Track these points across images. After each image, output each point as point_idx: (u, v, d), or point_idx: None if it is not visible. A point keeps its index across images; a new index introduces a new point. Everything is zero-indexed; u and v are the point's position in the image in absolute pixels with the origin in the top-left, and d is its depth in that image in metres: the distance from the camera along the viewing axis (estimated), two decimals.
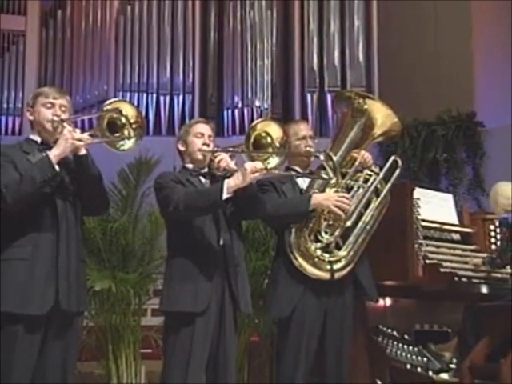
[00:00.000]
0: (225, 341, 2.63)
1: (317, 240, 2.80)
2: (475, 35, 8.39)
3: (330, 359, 2.84)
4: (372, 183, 2.88)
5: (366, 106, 2.96)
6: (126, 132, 2.45)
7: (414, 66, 8.53)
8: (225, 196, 2.49)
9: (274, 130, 2.70)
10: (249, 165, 2.53)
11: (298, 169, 3.01)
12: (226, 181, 2.52)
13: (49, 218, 2.40)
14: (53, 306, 2.34)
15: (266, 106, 8.32)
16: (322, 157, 2.73)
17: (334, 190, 2.84)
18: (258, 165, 2.54)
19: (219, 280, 2.62)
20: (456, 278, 3.43)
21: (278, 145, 2.68)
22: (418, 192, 3.58)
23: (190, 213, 2.59)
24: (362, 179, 2.91)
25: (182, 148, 2.78)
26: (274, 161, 2.68)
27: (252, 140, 2.66)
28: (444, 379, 3.51)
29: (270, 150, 2.68)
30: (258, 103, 8.34)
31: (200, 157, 2.73)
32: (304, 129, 3.06)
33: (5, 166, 2.36)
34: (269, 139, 2.70)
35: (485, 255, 3.67)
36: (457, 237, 3.81)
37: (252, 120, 7.39)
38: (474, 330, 3.48)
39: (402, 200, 3.28)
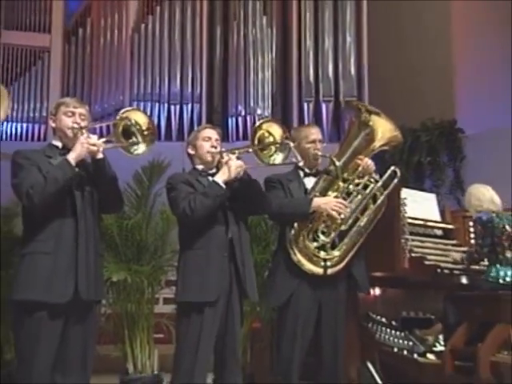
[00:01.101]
0: (232, 325, 2.62)
1: (314, 239, 2.79)
2: (455, 50, 8.39)
3: (325, 346, 2.82)
4: (371, 190, 2.84)
5: (371, 122, 2.89)
6: (138, 138, 2.45)
7: (400, 77, 8.53)
8: (223, 186, 2.56)
9: (276, 130, 2.69)
10: (234, 161, 2.59)
11: (306, 169, 2.98)
12: (216, 176, 2.60)
13: (69, 215, 2.39)
14: (73, 296, 2.33)
15: (266, 114, 8.31)
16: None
17: (334, 194, 2.82)
18: (239, 163, 2.61)
19: (228, 271, 2.60)
20: (439, 270, 3.42)
21: (279, 143, 2.67)
22: (405, 192, 3.57)
23: (201, 213, 2.56)
24: (361, 185, 2.86)
25: (191, 152, 2.77)
26: (278, 157, 2.67)
27: (257, 138, 2.65)
28: (428, 361, 3.50)
29: (273, 147, 2.67)
30: (259, 111, 8.33)
31: (209, 158, 2.72)
32: (315, 133, 3.02)
33: (30, 169, 2.36)
34: (271, 138, 2.69)
35: (465, 249, 3.67)
36: (439, 232, 3.81)
37: None
38: (454, 317, 3.47)
39: (390, 199, 3.26)
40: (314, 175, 2.95)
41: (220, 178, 2.60)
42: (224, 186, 2.58)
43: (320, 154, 2.92)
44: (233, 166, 2.59)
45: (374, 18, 8.69)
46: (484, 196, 3.53)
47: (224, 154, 2.68)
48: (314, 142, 2.95)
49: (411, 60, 8.55)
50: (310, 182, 2.94)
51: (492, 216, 3.43)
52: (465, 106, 8.12)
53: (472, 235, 3.89)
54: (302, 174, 2.96)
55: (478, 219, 3.48)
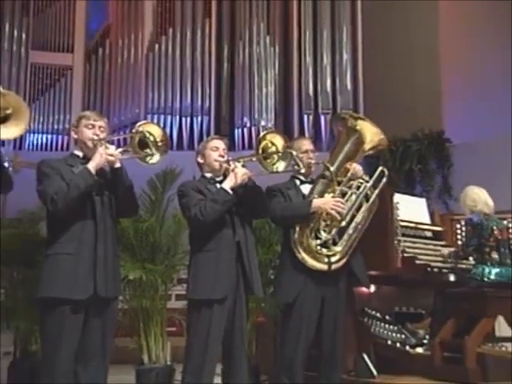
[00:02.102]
0: (239, 320, 2.61)
1: (316, 237, 2.78)
2: (442, 67, 8.42)
3: (326, 339, 2.81)
4: (363, 190, 2.86)
5: (358, 126, 2.92)
6: (153, 149, 2.45)
7: (392, 92, 8.54)
8: (230, 192, 2.55)
9: (279, 141, 2.70)
10: (239, 169, 2.59)
11: (302, 177, 2.98)
12: (224, 183, 2.59)
13: (89, 219, 2.39)
14: (92, 293, 2.33)
15: (269, 125, 8.31)
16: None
17: (331, 195, 2.82)
18: (244, 170, 2.61)
19: (235, 271, 2.59)
20: (429, 269, 3.41)
21: (282, 152, 2.68)
22: (397, 197, 3.57)
23: (211, 218, 2.56)
24: (354, 186, 2.88)
25: (200, 160, 2.77)
26: (281, 165, 2.67)
27: (261, 148, 2.65)
28: (419, 352, 3.49)
29: (276, 156, 2.67)
30: (263, 123, 8.34)
31: (217, 166, 2.72)
32: (306, 144, 3.04)
33: (54, 177, 2.36)
34: (274, 148, 2.70)
35: (452, 249, 3.65)
36: (429, 234, 3.79)
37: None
38: (443, 312, 3.46)
39: (384, 204, 3.26)
40: (309, 183, 2.96)
41: (227, 184, 2.60)
42: (231, 192, 2.58)
43: (313, 161, 2.93)
44: (239, 174, 2.59)
45: (369, 37, 8.70)
46: (479, 197, 3.49)
47: (231, 163, 2.68)
48: (306, 152, 2.97)
49: (402, 76, 8.59)
50: (306, 188, 2.95)
51: (482, 219, 3.40)
52: (451, 117, 8.14)
53: (459, 236, 3.89)
54: (298, 182, 2.98)
55: (469, 220, 3.45)
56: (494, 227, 3.39)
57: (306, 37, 8.70)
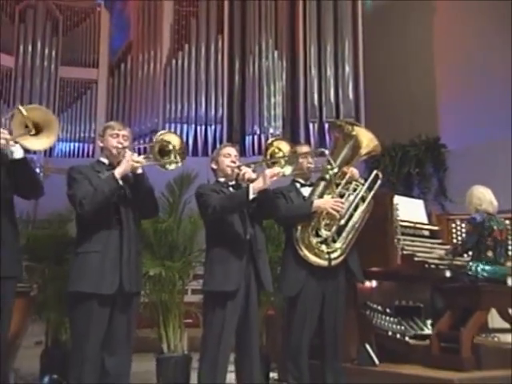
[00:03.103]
0: (251, 313, 2.61)
1: (317, 235, 2.78)
2: (438, 77, 8.40)
3: (328, 327, 2.81)
4: (359, 192, 2.85)
5: (354, 132, 2.91)
6: (172, 156, 2.46)
7: (391, 101, 8.53)
8: (251, 196, 2.51)
9: (285, 147, 2.70)
10: (268, 171, 2.56)
11: (302, 181, 2.99)
12: (251, 185, 2.52)
13: (114, 220, 2.41)
14: (118, 288, 2.35)
15: (277, 132, 8.33)
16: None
17: (330, 196, 2.82)
18: (276, 170, 2.57)
19: (246, 265, 2.60)
20: (426, 265, 3.38)
21: (288, 156, 2.67)
22: (397, 199, 3.54)
23: (225, 213, 2.57)
24: (351, 188, 2.88)
25: (214, 166, 2.77)
26: (287, 169, 2.67)
27: (269, 154, 2.66)
28: (417, 343, 3.47)
29: (282, 161, 2.67)
30: (271, 130, 8.35)
31: (229, 171, 2.72)
32: (304, 149, 3.05)
33: (82, 182, 2.39)
34: (281, 153, 2.70)
35: (448, 247, 3.63)
36: (427, 233, 3.75)
37: None
38: (440, 305, 3.43)
39: (385, 205, 3.25)
40: (309, 186, 2.96)
41: (256, 186, 2.50)
42: (253, 195, 2.50)
43: (312, 166, 2.94)
44: (268, 176, 2.51)
45: (369, 51, 8.69)
46: (484, 196, 3.39)
47: (241, 168, 2.68)
48: (305, 157, 2.97)
49: (401, 87, 8.59)
50: (305, 191, 2.95)
51: (485, 218, 3.32)
52: (447, 125, 8.13)
53: (454, 235, 3.86)
54: (298, 185, 2.98)
55: (472, 219, 3.37)
56: (495, 227, 3.32)
57: (311, 51, 8.71)
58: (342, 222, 2.78)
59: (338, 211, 2.75)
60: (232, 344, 2.60)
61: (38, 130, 2.23)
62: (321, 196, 2.84)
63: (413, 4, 8.61)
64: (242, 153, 7.99)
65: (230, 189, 2.71)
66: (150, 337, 3.77)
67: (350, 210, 2.82)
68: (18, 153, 2.22)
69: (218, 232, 2.63)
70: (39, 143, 2.24)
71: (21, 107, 2.22)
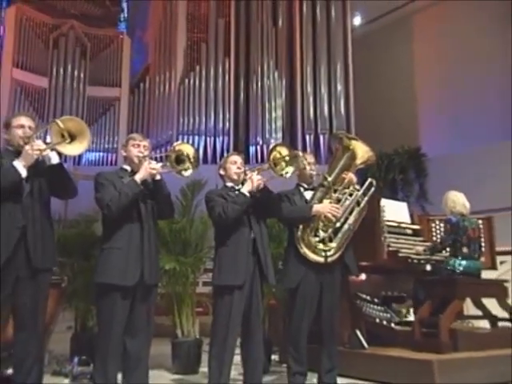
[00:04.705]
0: (255, 303, 2.61)
1: (316, 235, 2.78)
2: (418, 95, 8.45)
3: (325, 318, 2.80)
4: (355, 197, 2.84)
5: (351, 146, 2.90)
6: (186, 164, 2.46)
7: (378, 116, 8.58)
8: (248, 194, 2.57)
9: (285, 150, 2.68)
10: (254, 175, 2.62)
11: (305, 185, 2.99)
12: (242, 188, 2.61)
13: (136, 220, 2.41)
14: (139, 280, 2.35)
15: None
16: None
17: (328, 201, 2.82)
18: (259, 176, 2.62)
19: (252, 261, 2.59)
20: (409, 260, 3.39)
21: (288, 157, 2.66)
22: (383, 201, 3.55)
23: (232, 216, 2.57)
24: (347, 194, 2.85)
25: (222, 172, 2.78)
26: (289, 170, 2.65)
27: (271, 157, 2.66)
28: (401, 328, 3.46)
29: (284, 163, 2.66)
30: (272, 141, 8.37)
31: (235, 177, 2.72)
32: (309, 158, 3.03)
33: (108, 187, 2.39)
34: (282, 157, 2.70)
35: (428, 244, 3.62)
36: (410, 232, 3.75)
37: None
38: (421, 295, 3.43)
39: (373, 207, 3.25)
40: (311, 190, 2.96)
41: (245, 189, 2.61)
42: (248, 195, 2.59)
43: (314, 173, 2.95)
44: (254, 180, 2.60)
45: (358, 72, 8.73)
46: (458, 200, 3.41)
47: (247, 172, 2.69)
48: (308, 164, 2.98)
49: (386, 103, 8.70)
50: (308, 195, 2.94)
51: (459, 219, 3.34)
52: (427, 136, 8.18)
53: (434, 233, 3.85)
54: (302, 189, 2.97)
55: (448, 220, 3.38)
56: (469, 227, 3.33)
57: (307, 71, 8.76)
58: (338, 224, 2.78)
59: (334, 215, 2.75)
60: (238, 330, 2.60)
61: (73, 137, 2.25)
62: (320, 201, 2.83)
63: (395, 30, 8.70)
64: (247, 160, 7.97)
65: (236, 192, 2.72)
66: (165, 323, 3.77)
67: (346, 213, 2.81)
68: (54, 159, 2.26)
69: (225, 231, 2.63)
70: (74, 149, 2.26)
71: (57, 120, 2.25)
